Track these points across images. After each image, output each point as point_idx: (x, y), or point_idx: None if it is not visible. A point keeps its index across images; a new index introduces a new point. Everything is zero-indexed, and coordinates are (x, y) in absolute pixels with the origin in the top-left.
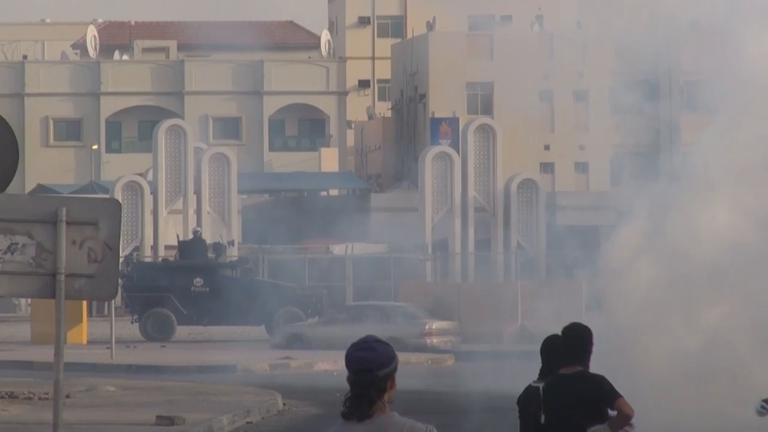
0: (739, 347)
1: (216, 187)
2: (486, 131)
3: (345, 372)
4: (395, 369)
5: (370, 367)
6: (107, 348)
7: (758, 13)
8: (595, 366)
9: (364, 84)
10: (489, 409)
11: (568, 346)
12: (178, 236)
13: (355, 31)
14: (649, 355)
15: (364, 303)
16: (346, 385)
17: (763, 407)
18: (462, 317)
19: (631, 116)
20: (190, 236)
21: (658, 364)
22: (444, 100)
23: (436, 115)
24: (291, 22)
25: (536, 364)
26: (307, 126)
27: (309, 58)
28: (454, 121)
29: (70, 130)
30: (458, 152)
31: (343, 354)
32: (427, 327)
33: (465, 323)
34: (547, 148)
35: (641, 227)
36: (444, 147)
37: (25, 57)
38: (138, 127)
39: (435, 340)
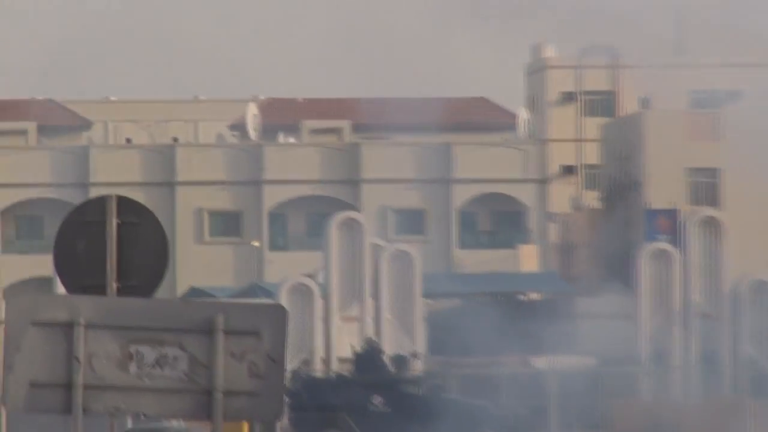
0: None
1: (397, 289)
2: (711, 225)
3: None
4: None
5: None
6: None
7: None
8: None
9: (568, 170)
10: None
11: None
12: (353, 347)
13: (558, 108)
14: None
15: None
16: None
17: None
18: None
19: None
20: (367, 347)
21: None
22: (662, 189)
23: (653, 207)
24: (483, 99)
25: None
26: (502, 219)
27: (504, 140)
28: (673, 214)
29: (227, 224)
30: (679, 249)
31: None
32: None
33: None
34: None
35: None
36: (662, 243)
37: (175, 140)
38: (306, 220)
39: None
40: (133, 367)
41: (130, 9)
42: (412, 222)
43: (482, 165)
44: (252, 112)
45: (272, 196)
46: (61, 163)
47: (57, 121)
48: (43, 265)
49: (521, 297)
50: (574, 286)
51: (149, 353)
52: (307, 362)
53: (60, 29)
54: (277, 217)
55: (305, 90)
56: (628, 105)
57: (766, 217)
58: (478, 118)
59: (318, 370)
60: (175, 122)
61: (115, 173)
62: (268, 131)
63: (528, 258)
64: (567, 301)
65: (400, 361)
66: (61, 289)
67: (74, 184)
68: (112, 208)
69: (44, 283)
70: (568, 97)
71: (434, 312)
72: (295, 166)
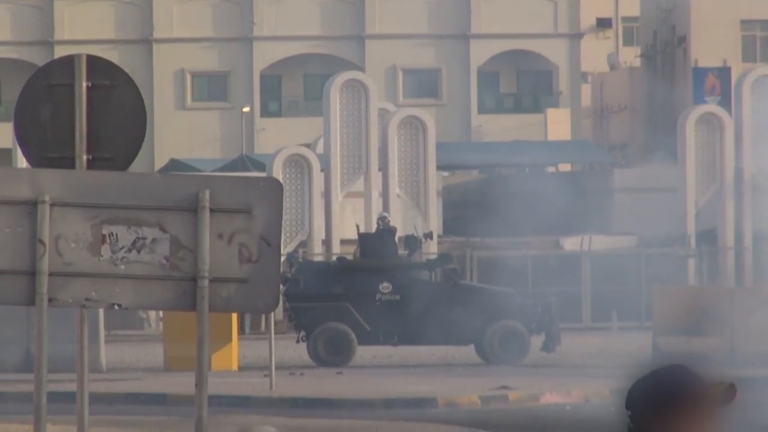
0: None
1: (408, 161)
2: None
3: (580, 405)
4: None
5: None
6: (265, 376)
7: None
8: None
9: (603, 24)
10: None
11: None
12: (358, 227)
13: None
14: None
15: None
16: (580, 424)
17: None
18: (735, 332)
19: None
20: (375, 226)
21: None
22: (711, 45)
23: (701, 64)
24: None
25: None
26: (528, 80)
27: None
28: (724, 72)
29: (213, 87)
30: (730, 113)
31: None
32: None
33: (739, 340)
34: None
35: None
36: (711, 106)
37: None
38: (303, 82)
39: None
40: (106, 252)
41: None
42: (425, 84)
43: (505, 18)
44: None
45: (264, 55)
46: (21, 18)
47: None
48: (2, 134)
49: (550, 169)
50: (611, 156)
51: (125, 235)
52: (305, 245)
53: None
54: (270, 78)
55: None
56: None
57: None
58: None
59: (318, 253)
60: None
61: (85, 29)
62: None
63: (557, 124)
64: (602, 174)
65: (411, 242)
66: (23, 162)
67: (37, 43)
68: (81, 69)
69: (4, 155)
70: None
71: (450, 186)
72: (291, 20)
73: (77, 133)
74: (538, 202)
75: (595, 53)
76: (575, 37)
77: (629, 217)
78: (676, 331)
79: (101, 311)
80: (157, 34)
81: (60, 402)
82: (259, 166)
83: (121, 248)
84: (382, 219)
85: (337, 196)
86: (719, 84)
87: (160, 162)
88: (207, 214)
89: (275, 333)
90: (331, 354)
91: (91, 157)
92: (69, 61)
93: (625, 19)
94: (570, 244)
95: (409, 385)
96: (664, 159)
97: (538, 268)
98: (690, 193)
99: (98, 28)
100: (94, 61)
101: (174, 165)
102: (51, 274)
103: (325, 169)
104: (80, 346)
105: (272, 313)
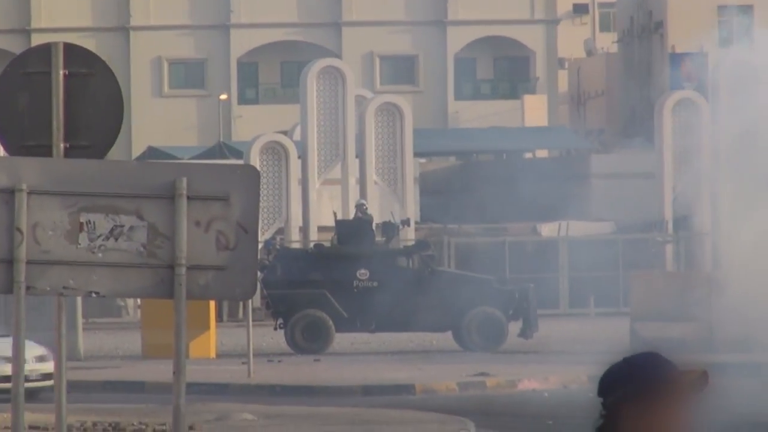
0: None
1: (385, 148)
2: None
3: (558, 392)
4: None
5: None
6: (243, 363)
7: None
8: None
9: (580, 9)
10: None
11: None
12: (335, 214)
13: None
14: None
15: None
16: (558, 410)
17: None
18: (714, 318)
19: None
20: (352, 213)
21: None
22: (688, 30)
23: (678, 50)
24: None
25: None
26: (505, 66)
27: None
28: (701, 57)
29: (190, 75)
30: (707, 98)
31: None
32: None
33: (718, 326)
34: None
35: None
36: (689, 92)
37: None
38: (281, 69)
39: None
40: (83, 239)
41: None
42: (402, 70)
43: (482, 4)
44: None
45: (241, 42)
46: None
47: None
48: None
49: (527, 155)
50: (588, 141)
51: (102, 223)
52: (283, 232)
53: None
54: (247, 66)
55: None
56: None
57: None
58: None
59: (295, 240)
60: None
61: (61, 17)
62: None
63: (534, 110)
64: (579, 160)
65: (388, 229)
66: (0, 150)
67: (14, 31)
68: (59, 57)
69: None
70: None
71: (427, 173)
72: (268, 7)
73: (54, 121)
74: (515, 189)
75: (572, 39)
76: (552, 22)
77: (607, 202)
78: (653, 316)
79: (79, 299)
80: (134, 22)
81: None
82: (237, 153)
83: (99, 236)
84: (359, 206)
85: (314, 183)
86: (696, 70)
87: (137, 150)
88: (184, 201)
89: (253, 320)
90: (309, 341)
91: (68, 145)
92: (46, 49)
93: (601, 5)
94: (547, 230)
95: (387, 372)
96: (642, 144)
97: (515, 254)
98: (667, 178)
99: (75, 16)
100: (71, 49)
101: (151, 153)
102: (29, 262)
103: (302, 156)
104: (58, 334)
105: (250, 301)
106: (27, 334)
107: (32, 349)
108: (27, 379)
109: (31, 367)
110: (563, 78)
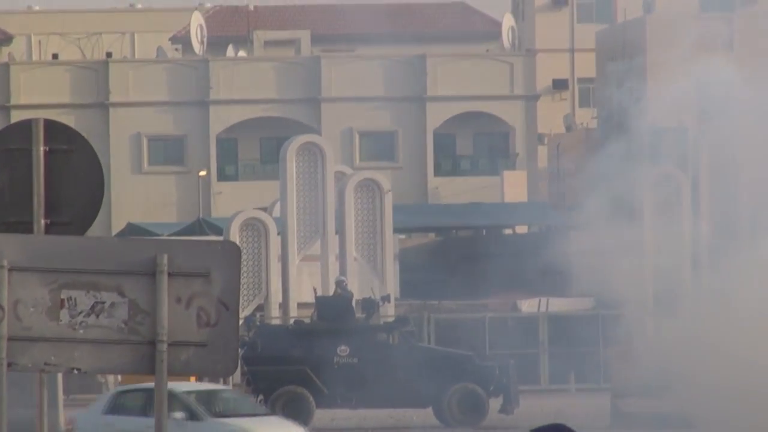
0: None
1: (365, 224)
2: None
3: None
4: None
5: None
6: None
7: None
8: None
9: (560, 85)
10: None
11: None
12: (315, 290)
13: (548, 15)
14: None
15: None
16: None
17: None
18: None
19: None
20: (332, 289)
21: None
22: (668, 105)
23: (658, 126)
24: (463, 4)
25: None
26: (485, 142)
27: (487, 51)
28: (681, 133)
29: (169, 151)
30: (688, 175)
31: None
32: None
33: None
34: None
35: None
36: (669, 168)
37: (109, 55)
38: (260, 145)
39: None
40: (64, 316)
41: None
42: (381, 146)
43: (461, 80)
44: (196, 22)
45: (220, 119)
46: None
47: None
48: None
49: (507, 231)
50: (568, 217)
51: (83, 299)
52: (263, 308)
53: None
54: (227, 142)
55: None
56: (628, 9)
57: None
58: (457, 26)
59: (275, 317)
60: (109, 35)
61: (41, 94)
62: (215, 44)
63: (515, 187)
64: (560, 236)
65: (368, 305)
66: None
67: None
68: (39, 133)
69: None
70: (561, 1)
71: (407, 249)
72: (247, 83)
73: (35, 198)
74: (495, 265)
75: (552, 115)
76: (531, 98)
77: (586, 279)
78: (635, 392)
79: (60, 375)
80: (113, 98)
81: None
82: (216, 229)
83: (80, 312)
84: (339, 283)
85: (294, 260)
86: (676, 146)
87: (117, 226)
88: (165, 278)
89: None
90: (290, 417)
91: (49, 222)
92: (26, 126)
93: (581, 80)
94: (527, 306)
95: None
96: (622, 221)
97: (495, 330)
98: (648, 254)
99: (54, 92)
100: (51, 126)
101: (131, 229)
102: (10, 339)
103: (282, 233)
104: (39, 411)
105: (231, 378)
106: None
107: (290, 428)
108: None
109: None
110: (543, 153)
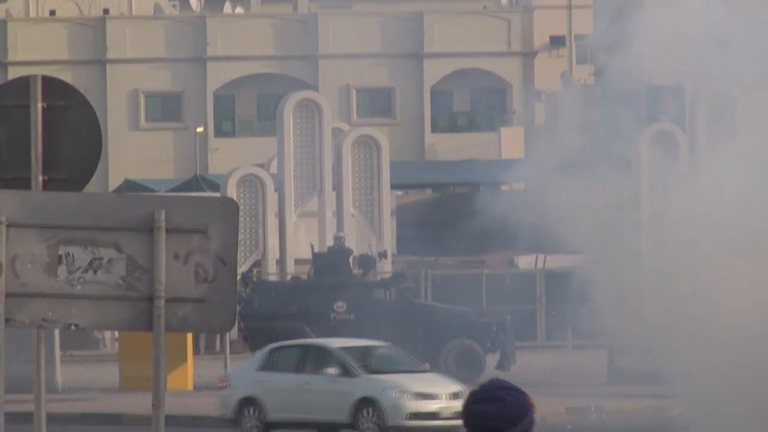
0: None
1: (362, 181)
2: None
3: (537, 424)
4: (532, 424)
5: (497, 425)
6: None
7: None
8: None
9: (557, 42)
10: None
11: None
12: (312, 246)
13: None
14: None
15: None
16: None
17: None
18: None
19: None
20: (329, 246)
21: None
22: (665, 62)
23: (656, 82)
24: None
25: None
26: (482, 98)
27: (484, 8)
28: (678, 90)
29: (166, 108)
30: (684, 130)
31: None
32: None
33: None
34: None
35: None
36: (666, 124)
37: (106, 11)
38: (257, 102)
39: None
40: (62, 272)
41: None
42: (378, 103)
43: (459, 37)
44: None
45: (218, 75)
46: None
47: None
48: None
49: (504, 187)
50: (565, 173)
51: (81, 255)
52: (260, 264)
53: None
54: (224, 98)
55: None
56: None
57: None
58: None
59: (272, 273)
60: None
61: (38, 50)
62: (213, 1)
63: (512, 143)
64: (554, 192)
65: (365, 262)
66: None
67: None
68: (37, 90)
69: None
70: None
71: (404, 205)
72: (244, 40)
73: (33, 154)
74: (492, 221)
75: (549, 72)
76: (529, 55)
77: (583, 234)
78: (631, 347)
79: (57, 331)
80: (110, 55)
81: (17, 422)
82: (213, 186)
83: (78, 269)
84: (337, 239)
85: (291, 216)
86: (673, 102)
87: (114, 182)
88: (163, 234)
89: (230, 352)
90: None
91: (47, 178)
92: (24, 82)
93: (578, 37)
94: (524, 262)
95: None
96: (618, 176)
97: (492, 286)
98: (644, 210)
99: (52, 49)
100: (49, 82)
101: (128, 185)
102: (8, 295)
103: (279, 189)
104: (37, 367)
105: (227, 333)
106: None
107: (448, 386)
108: (439, 417)
109: (445, 404)
110: (540, 110)
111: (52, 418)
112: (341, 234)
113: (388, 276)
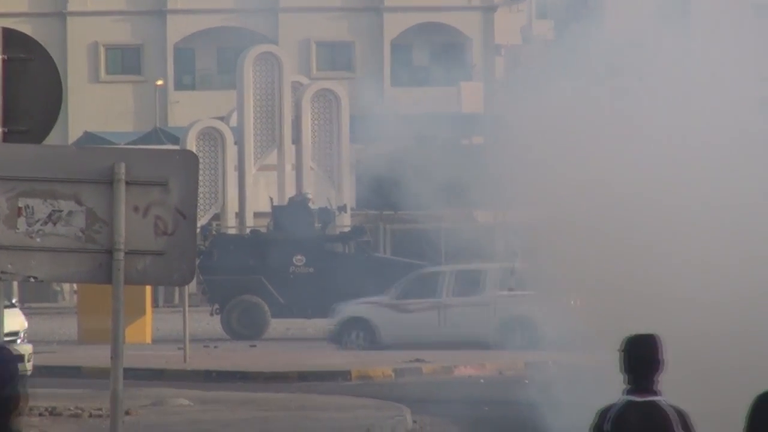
0: None
1: (321, 134)
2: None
3: (494, 378)
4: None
5: None
6: (179, 349)
7: None
8: None
9: None
10: None
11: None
12: (271, 200)
13: None
14: None
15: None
16: (494, 396)
17: None
18: None
19: None
20: (289, 199)
21: None
22: (626, 15)
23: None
24: None
25: None
26: (442, 52)
27: None
28: (641, 44)
29: (126, 61)
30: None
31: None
32: None
33: None
34: None
35: None
36: (628, 80)
37: None
38: (217, 55)
39: None
40: (22, 224)
41: None
42: (338, 56)
43: None
44: None
45: (178, 28)
46: None
47: None
48: None
49: (464, 141)
50: (521, 130)
51: (40, 208)
52: (219, 218)
53: None
54: (184, 51)
55: None
56: None
57: None
58: None
59: (231, 226)
60: None
61: None
62: None
63: (471, 97)
64: (512, 148)
65: (325, 215)
66: None
67: None
68: None
69: None
70: None
71: (364, 159)
72: None
73: None
74: (451, 175)
75: (509, 26)
76: (489, 9)
77: (541, 189)
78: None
79: (15, 283)
80: (70, 7)
81: None
82: (173, 139)
83: (37, 221)
84: (301, 195)
85: (250, 169)
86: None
87: (74, 135)
88: (123, 186)
89: (189, 306)
90: (245, 327)
91: (6, 130)
92: None
93: None
94: (484, 216)
95: (323, 358)
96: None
97: (452, 241)
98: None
99: (11, 1)
100: (9, 34)
101: (88, 138)
102: None
103: (239, 142)
104: None
105: (186, 286)
106: None
107: None
108: None
109: None
110: (500, 64)
111: None
112: (307, 192)
113: (347, 230)
